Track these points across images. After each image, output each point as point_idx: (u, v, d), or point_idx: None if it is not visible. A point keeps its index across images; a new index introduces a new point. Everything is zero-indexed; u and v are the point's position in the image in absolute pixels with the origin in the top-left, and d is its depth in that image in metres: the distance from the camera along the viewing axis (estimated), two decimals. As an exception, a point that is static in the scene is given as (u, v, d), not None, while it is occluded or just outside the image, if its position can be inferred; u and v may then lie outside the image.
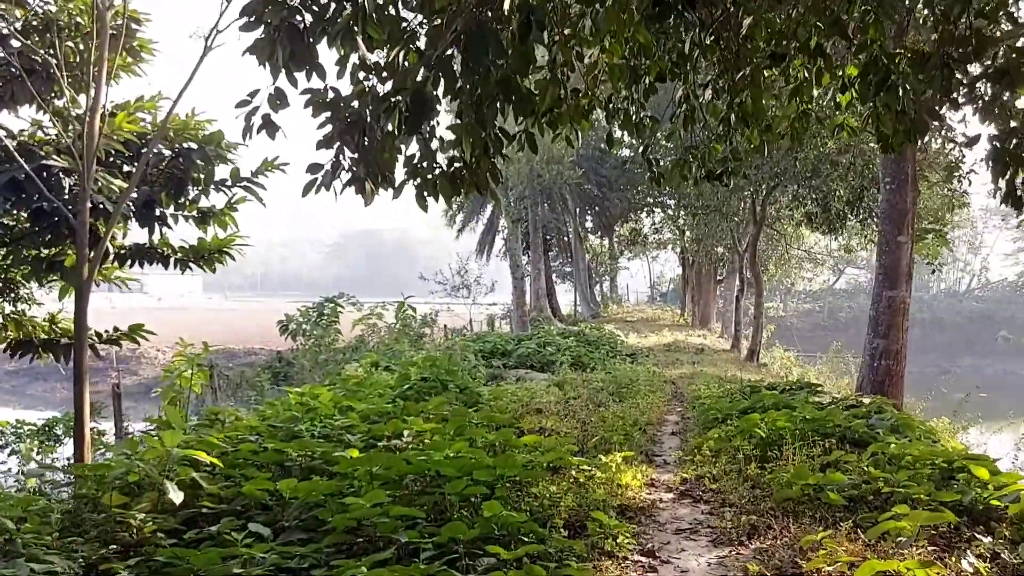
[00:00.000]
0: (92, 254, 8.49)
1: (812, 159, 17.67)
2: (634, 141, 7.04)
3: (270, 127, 5.02)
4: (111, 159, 9.71)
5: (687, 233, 36.47)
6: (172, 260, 11.11)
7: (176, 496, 5.18)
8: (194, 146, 9.92)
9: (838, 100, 6.13)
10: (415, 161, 5.56)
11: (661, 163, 7.43)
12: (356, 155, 5.12)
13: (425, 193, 5.62)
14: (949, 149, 15.06)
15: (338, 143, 5.03)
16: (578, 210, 41.97)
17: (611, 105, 6.44)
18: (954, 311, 67.01)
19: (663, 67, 6.60)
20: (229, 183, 10.56)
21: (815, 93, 6.06)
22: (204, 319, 62.46)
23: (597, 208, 42.67)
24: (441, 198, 5.34)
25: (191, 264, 11.21)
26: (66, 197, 9.19)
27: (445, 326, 29.41)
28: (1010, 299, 69.50)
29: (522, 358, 17.55)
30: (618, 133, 7.62)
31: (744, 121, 6.60)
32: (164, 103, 9.97)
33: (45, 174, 9.07)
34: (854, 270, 71.49)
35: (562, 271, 52.12)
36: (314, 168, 5.21)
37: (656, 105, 8.12)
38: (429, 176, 5.59)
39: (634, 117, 6.42)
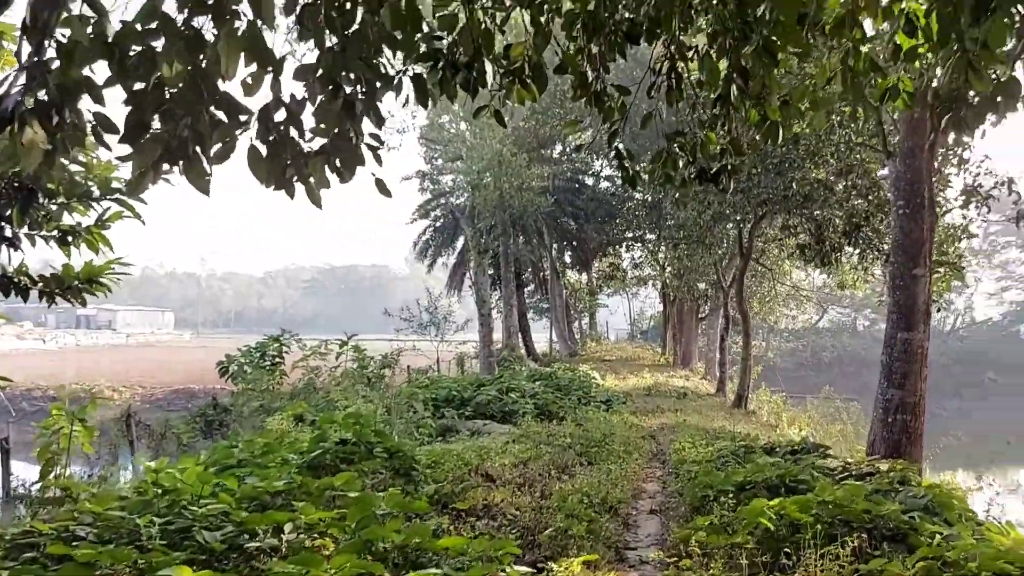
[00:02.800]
0: None
1: (810, 180, 15.77)
2: (600, 129, 4.79)
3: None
4: None
5: (668, 268, 34.63)
6: (33, 292, 8.85)
7: None
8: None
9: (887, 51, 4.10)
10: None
11: (637, 158, 5.35)
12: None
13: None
14: (965, 168, 13.22)
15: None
16: (554, 244, 40.09)
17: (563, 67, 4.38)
18: (939, 351, 65.42)
19: (636, 22, 4.62)
20: (97, 195, 8.42)
21: (873, 27, 4.04)
22: (171, 357, 59.91)
23: (574, 242, 40.80)
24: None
25: (58, 296, 8.96)
26: None
27: (408, 367, 27.19)
28: (996, 340, 68.22)
29: (481, 407, 15.36)
30: (571, 137, 5.51)
31: (751, 96, 4.60)
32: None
33: None
34: (838, 308, 70.04)
35: (539, 307, 50.13)
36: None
37: (629, 73, 6.00)
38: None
39: (592, 84, 4.37)
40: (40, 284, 8.72)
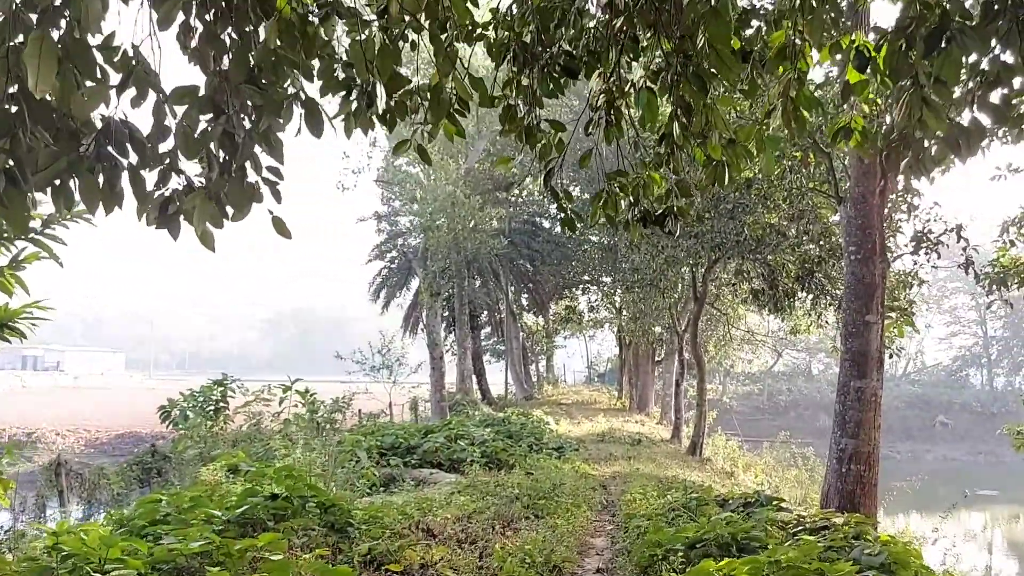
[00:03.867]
0: None
1: (763, 224, 15.67)
2: (533, 167, 4.46)
3: None
4: None
5: (624, 312, 34.50)
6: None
7: None
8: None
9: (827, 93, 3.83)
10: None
11: (580, 197, 5.03)
12: None
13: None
14: (915, 215, 13.21)
15: None
16: (511, 286, 39.82)
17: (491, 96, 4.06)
18: (891, 395, 66.19)
19: (575, 56, 4.34)
20: (8, 235, 7.87)
21: (812, 61, 3.78)
22: (120, 400, 58.00)
23: (531, 284, 40.58)
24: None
25: (-35, 340, 8.34)
26: None
27: (360, 411, 26.50)
28: (946, 383, 69.26)
29: (428, 454, 14.78)
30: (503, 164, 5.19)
31: (693, 133, 4.33)
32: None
33: None
34: (792, 352, 70.60)
35: (495, 349, 49.67)
36: None
37: (567, 105, 5.69)
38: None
39: (524, 118, 4.05)
40: (-54, 327, 8.14)
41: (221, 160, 2.92)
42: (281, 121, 3.25)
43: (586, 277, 36.59)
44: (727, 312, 29.63)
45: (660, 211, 4.87)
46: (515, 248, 34.93)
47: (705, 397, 22.81)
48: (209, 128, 2.86)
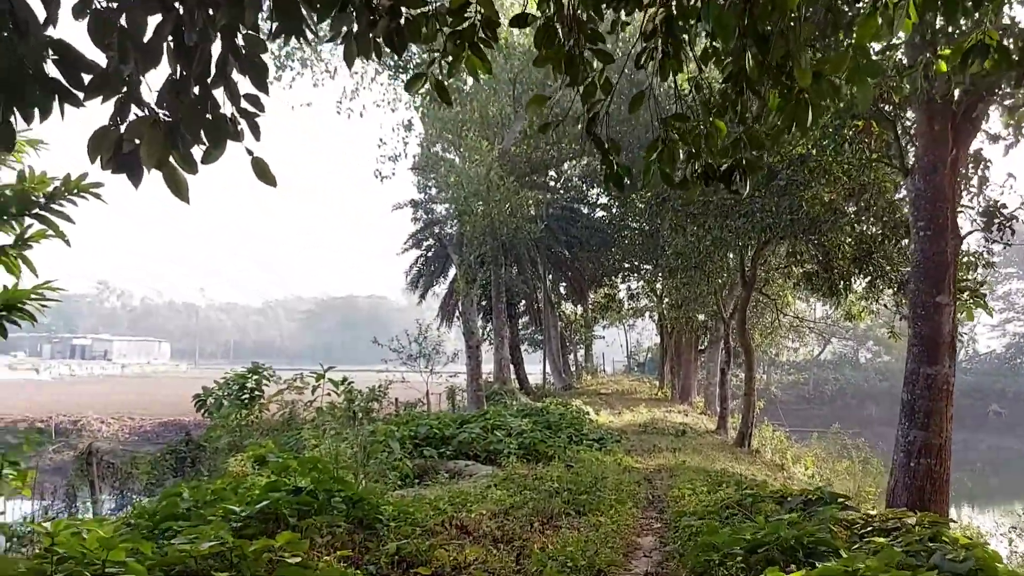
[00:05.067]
0: None
1: (820, 201, 14.67)
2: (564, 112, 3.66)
3: None
4: None
5: (666, 299, 33.58)
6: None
7: None
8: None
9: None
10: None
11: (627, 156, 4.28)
12: None
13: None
14: (986, 186, 12.17)
15: None
16: (549, 274, 39.05)
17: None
18: (943, 384, 64.38)
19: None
20: (14, 211, 7.37)
21: None
22: (165, 388, 58.73)
23: (569, 272, 39.77)
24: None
25: (-26, 325, 7.85)
26: None
27: (396, 400, 26.08)
28: (999, 372, 67.09)
29: (463, 445, 14.17)
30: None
31: (770, 68, 3.59)
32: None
33: None
34: (840, 340, 68.95)
35: (533, 339, 49.01)
36: None
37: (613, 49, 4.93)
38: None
39: (564, 44, 3.35)
40: (-50, 311, 7.67)
41: (176, 77, 2.26)
42: (261, 36, 2.58)
43: (626, 264, 35.73)
44: (776, 298, 28.54)
45: (725, 166, 4.14)
46: (552, 234, 34.15)
47: (754, 386, 21.88)
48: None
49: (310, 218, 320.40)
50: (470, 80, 27.37)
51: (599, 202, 37.88)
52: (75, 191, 7.54)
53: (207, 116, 2.47)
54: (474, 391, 26.51)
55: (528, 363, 43.05)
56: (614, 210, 34.13)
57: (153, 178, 2.68)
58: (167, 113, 2.49)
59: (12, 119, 2.62)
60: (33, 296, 8.07)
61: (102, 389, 62.29)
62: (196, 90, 2.39)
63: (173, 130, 2.36)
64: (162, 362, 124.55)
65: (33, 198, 7.48)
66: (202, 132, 2.58)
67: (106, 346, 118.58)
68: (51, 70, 2.53)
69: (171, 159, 2.63)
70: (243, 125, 2.70)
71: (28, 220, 7.68)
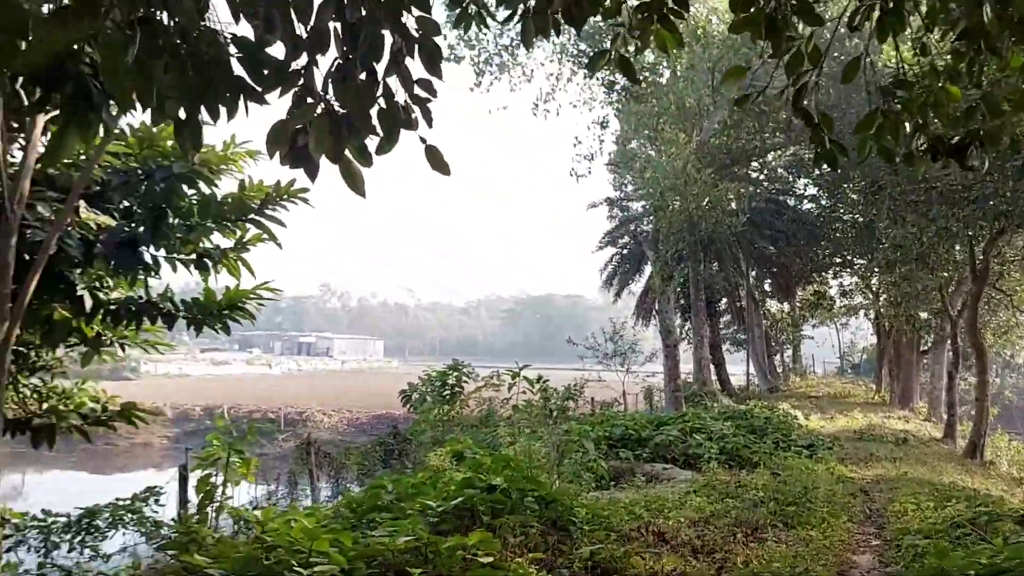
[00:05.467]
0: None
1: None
2: (779, 84, 3.23)
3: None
4: (97, 189, 7.43)
5: (883, 296, 31.15)
6: (179, 318, 8.49)
7: None
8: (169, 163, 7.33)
9: None
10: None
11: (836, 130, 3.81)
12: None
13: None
14: None
15: None
16: (752, 270, 37.45)
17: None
18: None
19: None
20: (232, 217, 7.93)
21: None
22: (379, 383, 62.48)
23: (774, 268, 37.92)
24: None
25: (202, 324, 8.56)
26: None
27: (592, 399, 26.00)
28: None
29: (660, 448, 13.75)
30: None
31: (1011, 23, 3.02)
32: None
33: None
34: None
35: (736, 338, 47.26)
36: None
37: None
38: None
39: (764, 4, 2.98)
40: (183, 311, 8.37)
41: (341, 63, 2.17)
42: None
43: (837, 259, 33.58)
44: (1012, 293, 25.59)
45: (957, 138, 3.57)
46: (756, 228, 32.65)
47: (987, 391, 19.71)
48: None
49: (508, 219, 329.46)
50: (666, 73, 26.77)
51: (807, 193, 35.87)
52: (285, 196, 7.99)
53: (377, 104, 2.37)
54: (672, 392, 25.85)
55: (730, 363, 41.54)
56: (824, 201, 32.13)
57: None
58: (339, 104, 2.42)
59: (199, 118, 2.66)
60: (251, 296, 8.65)
61: (324, 383, 67.49)
62: (363, 76, 2.30)
63: (339, 120, 2.28)
64: (376, 358, 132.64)
65: (250, 205, 8.01)
66: (374, 121, 2.50)
67: (328, 343, 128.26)
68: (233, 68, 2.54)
69: (346, 152, 2.58)
70: (416, 113, 2.59)
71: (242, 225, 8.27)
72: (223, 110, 2.61)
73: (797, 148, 29.98)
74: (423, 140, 2.58)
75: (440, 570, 6.06)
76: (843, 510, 10.05)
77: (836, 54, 19.60)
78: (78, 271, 7.50)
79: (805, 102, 3.54)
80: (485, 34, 25.09)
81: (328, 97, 2.45)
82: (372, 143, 2.62)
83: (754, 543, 8.09)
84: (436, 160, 2.59)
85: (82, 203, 7.19)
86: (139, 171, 7.37)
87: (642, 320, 38.38)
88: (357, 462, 17.58)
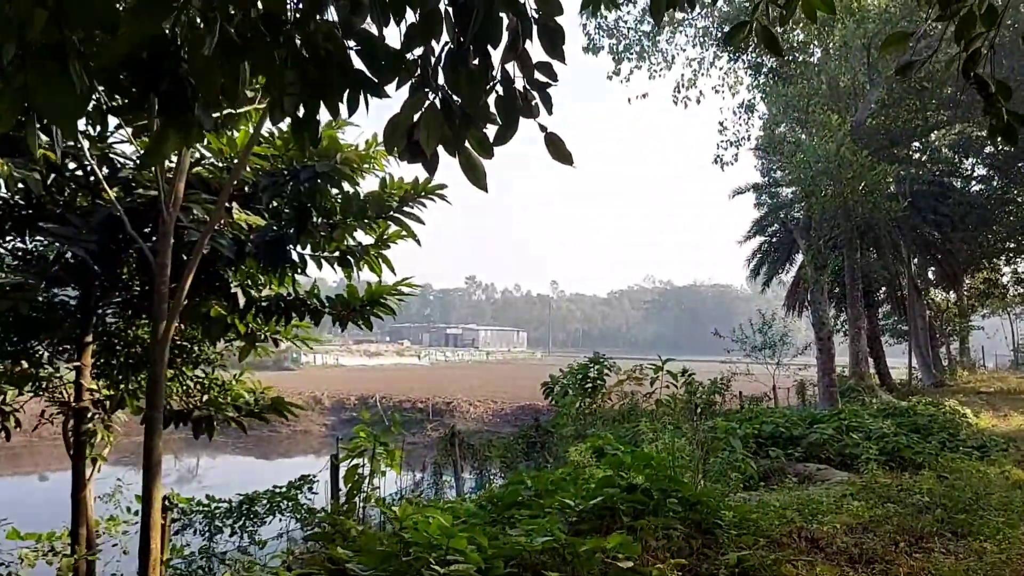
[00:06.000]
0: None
1: None
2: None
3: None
4: (247, 191, 7.79)
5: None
6: (325, 314, 8.79)
7: None
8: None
9: None
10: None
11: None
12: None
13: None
14: None
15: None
16: (914, 257, 35.06)
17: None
18: None
19: None
20: (372, 214, 8.07)
21: None
22: (522, 374, 63.33)
23: (938, 255, 35.34)
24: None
25: (346, 320, 8.80)
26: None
27: (740, 393, 25.15)
28: None
29: (814, 447, 13.02)
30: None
31: None
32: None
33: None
34: None
35: (896, 330, 44.48)
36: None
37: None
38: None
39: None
40: (328, 307, 8.63)
41: (451, 48, 2.05)
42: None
43: (1011, 244, 30.90)
44: None
45: None
46: (918, 213, 30.51)
47: None
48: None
49: (652, 209, 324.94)
50: (817, 52, 25.39)
51: (975, 174, 33.18)
52: (423, 193, 8.05)
53: (493, 91, 2.23)
54: (826, 386, 24.55)
55: (890, 356, 39.14)
56: (995, 182, 29.60)
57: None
58: (452, 93, 2.30)
59: (318, 114, 2.62)
60: (392, 292, 8.80)
61: (470, 373, 69.04)
62: (476, 61, 2.16)
63: (453, 109, 2.16)
64: (520, 349, 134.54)
65: (390, 202, 8.12)
66: (492, 110, 2.36)
67: (473, 335, 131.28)
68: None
69: (466, 143, 2.47)
70: (536, 99, 2.43)
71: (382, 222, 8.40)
72: (343, 107, 2.54)
73: (964, 126, 27.76)
74: (543, 128, 2.42)
75: (578, 573, 5.92)
76: (1021, 519, 9.13)
77: (1008, 22, 17.93)
78: (231, 270, 7.87)
79: (979, 67, 3.13)
80: (625, 20, 24.67)
81: (442, 86, 2.34)
82: (492, 133, 2.49)
83: (919, 554, 7.48)
84: (558, 149, 2.43)
85: (234, 204, 7.52)
86: (285, 172, 7.58)
87: (793, 311, 36.79)
88: (499, 454, 17.69)
